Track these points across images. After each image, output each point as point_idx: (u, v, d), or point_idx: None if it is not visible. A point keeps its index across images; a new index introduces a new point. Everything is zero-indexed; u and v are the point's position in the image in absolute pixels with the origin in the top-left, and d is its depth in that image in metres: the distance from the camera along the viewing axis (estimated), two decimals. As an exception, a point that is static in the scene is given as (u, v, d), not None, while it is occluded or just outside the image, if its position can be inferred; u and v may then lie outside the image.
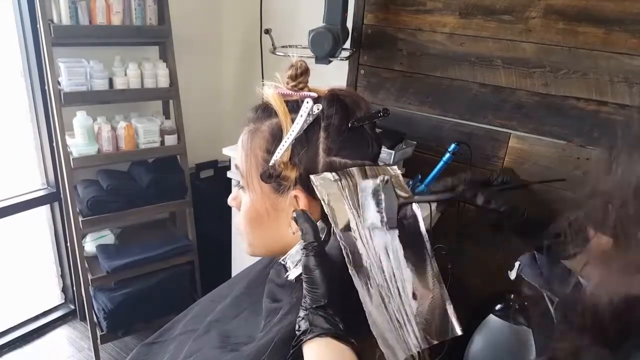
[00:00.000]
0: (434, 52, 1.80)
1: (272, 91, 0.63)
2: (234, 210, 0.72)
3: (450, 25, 1.73)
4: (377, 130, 0.68)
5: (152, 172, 1.98)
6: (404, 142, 1.76)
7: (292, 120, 0.60)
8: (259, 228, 0.67)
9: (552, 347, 0.58)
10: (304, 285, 0.57)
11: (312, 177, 0.60)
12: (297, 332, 0.55)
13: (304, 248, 0.57)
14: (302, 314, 0.55)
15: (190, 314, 0.85)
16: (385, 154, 1.65)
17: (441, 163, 1.54)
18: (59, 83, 1.73)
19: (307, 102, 0.60)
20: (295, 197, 0.62)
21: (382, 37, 1.90)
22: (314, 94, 0.63)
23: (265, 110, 0.64)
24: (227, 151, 1.82)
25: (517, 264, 1.38)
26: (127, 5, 1.80)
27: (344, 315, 0.55)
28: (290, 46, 1.94)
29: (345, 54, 1.86)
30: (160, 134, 1.96)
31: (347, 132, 0.61)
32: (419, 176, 1.61)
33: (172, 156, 2.07)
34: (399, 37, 1.86)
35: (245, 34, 2.29)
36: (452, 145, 1.52)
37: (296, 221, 0.60)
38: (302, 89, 0.64)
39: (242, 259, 1.94)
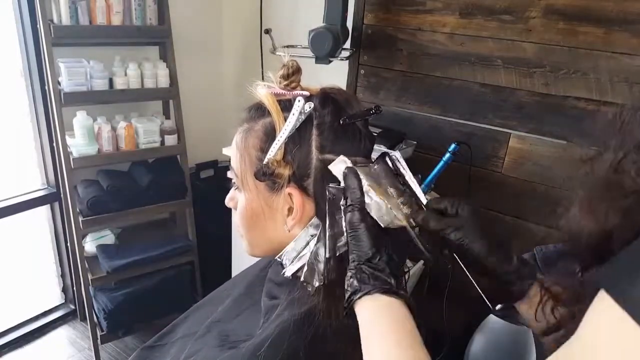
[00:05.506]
0: (434, 52, 1.79)
1: (264, 91, 0.64)
2: (233, 210, 0.73)
3: (451, 25, 1.73)
4: (378, 130, 0.69)
5: (152, 172, 1.98)
6: (404, 142, 1.76)
7: (285, 119, 0.61)
8: (256, 227, 0.68)
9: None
10: (350, 243, 0.57)
11: (330, 167, 0.61)
12: (346, 293, 0.55)
13: (349, 205, 0.57)
14: (349, 273, 0.55)
15: (191, 317, 0.85)
16: (385, 154, 1.65)
17: (441, 163, 1.54)
18: (59, 83, 1.73)
19: (299, 101, 0.60)
20: (290, 194, 0.62)
21: (382, 37, 1.90)
22: (306, 93, 0.64)
23: (259, 110, 0.65)
24: (227, 151, 1.82)
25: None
26: (127, 5, 1.80)
27: (392, 271, 0.55)
28: (290, 46, 1.94)
29: (345, 54, 1.86)
30: (160, 134, 1.96)
31: (339, 129, 0.62)
32: (419, 176, 1.61)
33: (172, 156, 2.07)
34: (399, 37, 1.86)
35: (245, 34, 2.29)
36: (452, 145, 1.52)
37: (345, 177, 0.59)
38: (294, 88, 0.65)
39: (242, 259, 1.94)
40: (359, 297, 0.53)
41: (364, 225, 0.56)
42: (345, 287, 0.55)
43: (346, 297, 0.55)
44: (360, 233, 0.56)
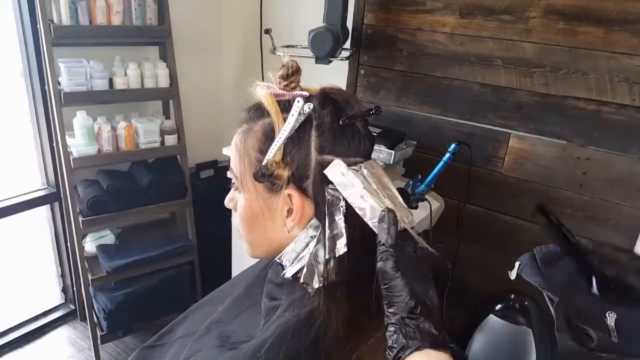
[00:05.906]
0: (434, 52, 1.80)
1: (264, 91, 0.63)
2: (233, 211, 0.72)
3: (451, 25, 1.73)
4: (378, 130, 0.69)
5: (152, 172, 1.98)
6: (404, 142, 1.76)
7: (284, 120, 0.61)
8: (255, 228, 0.68)
9: None
10: (385, 294, 0.53)
11: (325, 172, 0.60)
12: (390, 351, 0.51)
13: (382, 252, 0.54)
14: (391, 329, 0.52)
15: (190, 317, 0.85)
16: (386, 153, 1.65)
17: (441, 163, 1.54)
18: (59, 83, 1.73)
19: (298, 101, 0.60)
20: (289, 195, 0.62)
21: (382, 37, 1.90)
22: (306, 93, 0.63)
23: (258, 110, 0.65)
24: (227, 151, 1.82)
25: (517, 264, 1.39)
26: (127, 5, 1.80)
27: (436, 320, 0.52)
28: (290, 46, 1.94)
29: (345, 54, 1.86)
30: (160, 134, 1.96)
31: (339, 130, 0.62)
32: (419, 176, 1.61)
33: (172, 156, 2.07)
34: (399, 37, 1.86)
35: (245, 34, 2.29)
36: (452, 145, 1.52)
37: (382, 219, 0.56)
38: (294, 88, 0.64)
39: (242, 259, 1.94)
40: (408, 354, 0.50)
41: (400, 274, 0.52)
42: (389, 343, 0.52)
43: (392, 355, 0.51)
44: (397, 283, 0.52)
